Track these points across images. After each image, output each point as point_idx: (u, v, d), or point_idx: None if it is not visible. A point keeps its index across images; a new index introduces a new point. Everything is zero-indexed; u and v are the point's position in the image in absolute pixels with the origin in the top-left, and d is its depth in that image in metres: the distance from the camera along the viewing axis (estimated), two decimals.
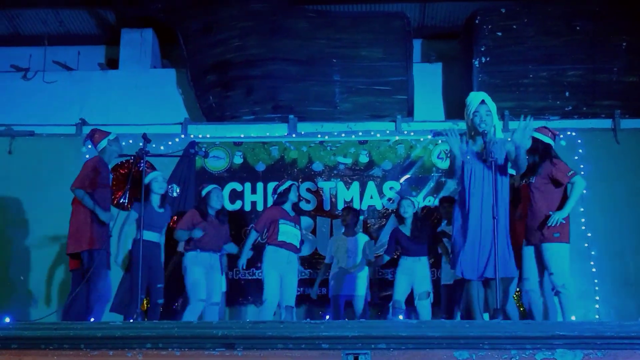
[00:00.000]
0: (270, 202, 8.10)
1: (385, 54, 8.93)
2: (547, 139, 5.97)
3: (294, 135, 8.97)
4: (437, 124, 8.99)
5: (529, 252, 5.86)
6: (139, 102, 9.40)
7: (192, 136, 8.99)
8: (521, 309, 6.33)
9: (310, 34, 8.95)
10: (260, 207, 8.62)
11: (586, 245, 8.31)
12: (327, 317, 7.79)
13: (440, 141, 8.75)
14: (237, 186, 8.79)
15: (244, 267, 7.24)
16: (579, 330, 3.80)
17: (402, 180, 8.74)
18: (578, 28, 8.74)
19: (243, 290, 8.45)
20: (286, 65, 8.97)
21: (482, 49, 8.80)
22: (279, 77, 9.00)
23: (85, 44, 10.16)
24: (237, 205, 8.72)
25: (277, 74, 8.99)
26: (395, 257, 7.77)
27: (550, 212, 5.68)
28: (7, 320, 4.25)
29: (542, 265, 5.79)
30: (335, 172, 8.83)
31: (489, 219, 4.97)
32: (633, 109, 8.85)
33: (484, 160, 4.98)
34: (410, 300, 7.42)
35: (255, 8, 8.91)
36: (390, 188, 8.72)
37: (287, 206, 7.27)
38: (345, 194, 8.76)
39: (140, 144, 5.87)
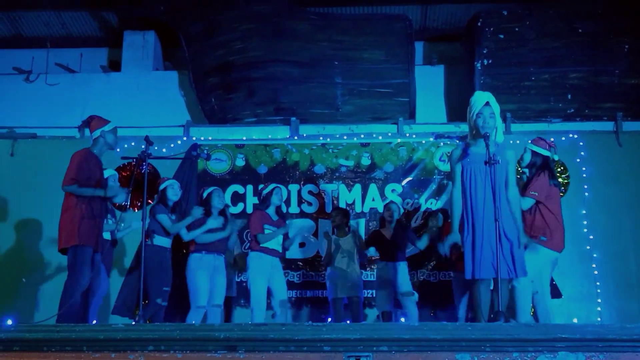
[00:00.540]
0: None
1: (387, 56, 8.93)
2: (545, 152, 5.97)
3: (295, 138, 8.97)
4: (439, 126, 9.01)
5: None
6: (141, 105, 9.42)
7: (194, 138, 9.00)
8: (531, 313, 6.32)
9: (312, 36, 8.95)
10: None
11: (588, 247, 8.32)
12: (329, 319, 7.78)
13: (442, 143, 8.76)
14: (239, 188, 8.79)
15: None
16: (581, 333, 3.79)
17: (404, 182, 8.75)
18: (580, 30, 8.74)
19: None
20: (288, 67, 8.97)
21: (484, 52, 8.80)
22: (280, 79, 9.01)
23: (88, 46, 10.18)
24: (239, 207, 8.72)
25: (279, 76, 8.99)
26: (367, 263, 7.84)
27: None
28: (10, 322, 4.25)
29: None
30: (337, 174, 8.83)
31: (492, 222, 4.97)
32: (635, 112, 8.85)
33: (485, 162, 4.97)
34: (395, 301, 7.47)
35: (257, 10, 8.91)
36: (392, 190, 8.72)
37: (270, 210, 7.26)
38: (347, 196, 8.75)
39: (143, 147, 5.84)
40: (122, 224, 6.94)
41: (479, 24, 8.81)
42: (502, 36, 8.81)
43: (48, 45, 9.81)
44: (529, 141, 6.13)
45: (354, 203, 8.71)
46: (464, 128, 8.50)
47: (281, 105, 9.12)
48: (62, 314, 5.63)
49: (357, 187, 8.77)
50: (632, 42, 8.73)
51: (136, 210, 8.34)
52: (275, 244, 7.15)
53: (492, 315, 4.89)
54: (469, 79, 8.98)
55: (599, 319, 8.06)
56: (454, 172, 5.32)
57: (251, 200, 8.75)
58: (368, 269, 8.28)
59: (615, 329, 3.82)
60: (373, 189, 8.76)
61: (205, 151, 8.51)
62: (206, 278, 6.83)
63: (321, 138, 8.96)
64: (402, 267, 7.45)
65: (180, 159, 8.49)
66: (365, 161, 8.83)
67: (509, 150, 5.32)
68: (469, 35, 9.05)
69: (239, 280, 8.19)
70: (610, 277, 8.27)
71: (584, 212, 8.34)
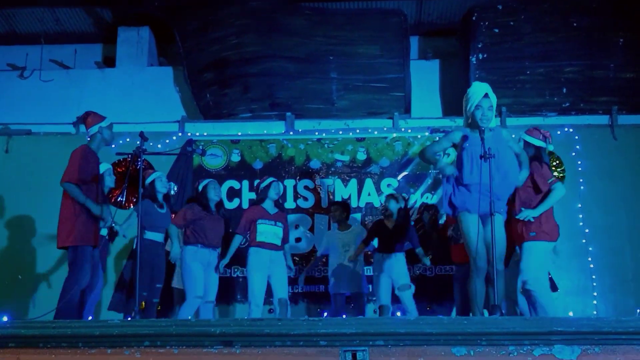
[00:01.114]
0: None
1: (382, 51, 8.93)
2: (538, 142, 5.91)
3: (291, 133, 8.97)
4: (434, 120, 9.02)
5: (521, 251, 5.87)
6: (136, 100, 9.40)
7: (189, 134, 8.99)
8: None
9: (308, 32, 8.95)
10: None
11: (584, 241, 8.34)
12: (325, 314, 7.79)
13: (437, 138, 8.73)
14: (235, 184, 8.79)
15: (221, 271, 7.14)
16: (576, 326, 3.80)
17: (399, 177, 8.76)
18: (575, 24, 8.75)
19: (230, 289, 8.41)
20: (283, 62, 8.96)
21: (479, 46, 8.81)
22: (276, 74, 9.00)
23: (82, 42, 10.16)
24: (235, 203, 8.72)
25: (274, 71, 8.99)
26: (369, 252, 7.82)
27: (522, 208, 5.63)
28: (5, 319, 4.24)
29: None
30: (332, 169, 8.83)
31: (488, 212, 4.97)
32: (630, 105, 8.86)
33: (480, 156, 4.95)
34: (393, 296, 7.46)
35: (252, 6, 8.90)
36: (388, 185, 8.73)
37: (267, 204, 7.13)
38: (343, 191, 8.76)
39: (138, 142, 5.82)
40: (120, 223, 6.90)
41: (474, 18, 8.81)
42: (497, 30, 8.82)
43: (42, 42, 9.79)
44: (524, 132, 6.10)
45: (349, 198, 8.71)
46: (459, 122, 8.48)
47: (276, 101, 9.11)
48: (60, 310, 5.63)
49: (353, 182, 8.78)
50: (627, 35, 8.74)
51: (132, 207, 8.33)
52: (274, 237, 7.02)
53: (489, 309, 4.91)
54: (464, 73, 8.99)
55: (594, 312, 8.09)
56: (446, 139, 5.30)
57: (247, 195, 8.74)
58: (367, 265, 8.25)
59: (610, 322, 3.82)
60: (369, 183, 8.77)
61: (200, 147, 8.49)
62: (201, 270, 6.76)
63: (317, 133, 8.96)
64: (400, 259, 7.41)
65: (175, 155, 8.50)
66: (361, 156, 8.84)
67: (503, 131, 5.36)
68: (464, 29, 9.06)
69: (236, 276, 8.20)
70: (606, 270, 8.30)
71: (580, 205, 8.36)
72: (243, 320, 4.17)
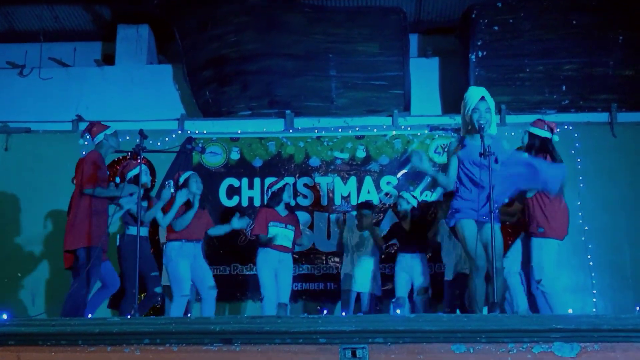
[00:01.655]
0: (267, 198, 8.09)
1: (381, 48, 8.92)
2: (544, 133, 5.87)
3: (290, 131, 8.96)
4: (434, 118, 9.02)
5: (518, 242, 5.87)
6: (135, 98, 9.39)
7: (188, 132, 8.98)
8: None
9: (307, 29, 8.94)
10: (257, 203, 8.63)
11: (583, 238, 8.32)
12: (325, 311, 7.80)
13: (437, 136, 8.76)
14: (234, 182, 8.79)
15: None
16: (576, 324, 3.80)
17: (399, 175, 8.75)
18: (574, 22, 8.74)
19: (241, 285, 8.45)
20: (282, 60, 8.96)
21: (479, 43, 8.80)
22: (275, 72, 8.99)
23: (81, 40, 10.14)
24: (235, 201, 8.72)
25: (274, 69, 8.98)
26: (393, 252, 7.82)
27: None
28: (5, 316, 4.24)
29: (527, 259, 5.79)
30: (332, 167, 8.83)
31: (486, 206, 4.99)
32: (629, 103, 8.86)
33: (480, 154, 4.97)
34: (410, 295, 7.48)
35: (251, 3, 8.90)
36: (388, 183, 8.73)
37: (279, 207, 7.25)
38: (343, 189, 8.76)
39: (137, 140, 5.84)
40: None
41: (474, 15, 8.80)
42: (496, 28, 8.81)
43: (41, 40, 9.75)
44: (530, 124, 6.07)
45: (349, 196, 8.71)
46: (458, 120, 8.48)
47: (276, 98, 9.10)
48: (67, 311, 5.71)
49: (353, 180, 8.78)
50: (626, 33, 8.73)
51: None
52: (285, 239, 7.14)
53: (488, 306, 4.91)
54: (463, 71, 8.98)
55: (594, 310, 8.09)
56: (449, 163, 5.32)
57: (246, 193, 8.75)
58: (383, 263, 8.22)
59: (609, 319, 3.82)
60: (368, 181, 8.77)
61: (200, 144, 8.48)
62: (187, 267, 6.75)
63: (316, 131, 8.96)
64: (420, 259, 7.47)
65: (175, 153, 8.49)
66: (361, 154, 8.84)
67: (503, 141, 5.37)
68: (464, 27, 9.05)
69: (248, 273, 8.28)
70: (605, 268, 8.29)
71: (579, 203, 8.34)
72: (243, 318, 4.18)
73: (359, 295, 7.76)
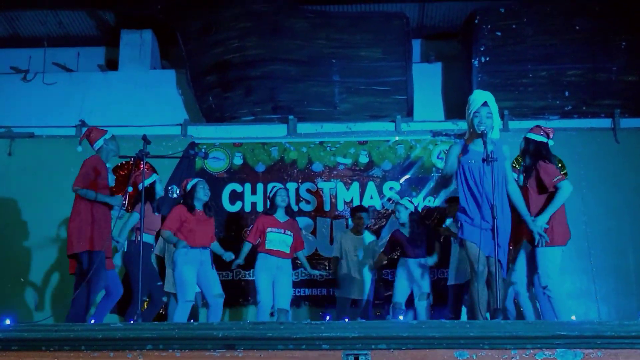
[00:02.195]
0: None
1: (384, 54, 8.93)
2: (539, 137, 5.89)
3: (293, 136, 8.97)
4: (436, 124, 9.02)
5: (522, 253, 5.86)
6: (138, 103, 9.41)
7: (191, 137, 9.00)
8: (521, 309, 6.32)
9: (310, 35, 8.95)
10: (260, 208, 8.61)
11: (586, 244, 8.31)
12: (328, 317, 7.79)
13: (439, 141, 8.76)
14: (237, 187, 8.80)
15: (234, 267, 7.33)
16: (579, 330, 3.80)
17: (402, 180, 8.75)
18: (577, 27, 8.74)
19: (243, 291, 8.45)
20: (285, 65, 8.97)
21: (482, 49, 8.80)
22: (278, 77, 9.00)
23: (85, 45, 10.17)
24: (237, 206, 8.73)
25: (277, 74, 8.99)
26: (395, 257, 7.82)
27: (533, 218, 5.61)
28: (8, 322, 4.24)
29: (532, 267, 5.79)
30: (335, 172, 8.83)
31: (489, 216, 4.99)
32: (633, 109, 8.86)
33: (483, 159, 4.97)
34: (410, 300, 7.47)
35: (254, 8, 8.91)
36: (390, 188, 8.73)
37: (278, 213, 7.23)
38: (345, 194, 8.76)
39: (140, 146, 5.84)
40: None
41: (476, 21, 8.81)
42: (499, 33, 8.82)
43: (45, 45, 9.80)
44: (528, 130, 6.09)
45: (352, 201, 8.71)
46: (461, 125, 8.50)
47: (279, 104, 9.11)
48: (71, 315, 5.72)
49: (355, 185, 8.78)
50: (629, 38, 8.73)
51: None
52: (282, 245, 7.13)
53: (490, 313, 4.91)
54: (466, 76, 8.98)
55: (597, 316, 8.07)
56: (449, 164, 5.30)
57: (249, 198, 8.75)
58: (385, 269, 8.22)
59: (613, 326, 3.82)
60: (371, 187, 8.77)
61: (203, 150, 8.47)
62: (193, 272, 6.69)
63: (319, 136, 8.96)
64: (422, 264, 7.47)
65: (178, 158, 8.49)
66: (363, 159, 8.84)
67: (504, 146, 5.37)
68: (466, 32, 9.06)
69: (250, 279, 8.24)
70: (609, 273, 8.29)
71: (582, 209, 8.34)
72: (245, 324, 4.18)
73: (353, 301, 7.77)
